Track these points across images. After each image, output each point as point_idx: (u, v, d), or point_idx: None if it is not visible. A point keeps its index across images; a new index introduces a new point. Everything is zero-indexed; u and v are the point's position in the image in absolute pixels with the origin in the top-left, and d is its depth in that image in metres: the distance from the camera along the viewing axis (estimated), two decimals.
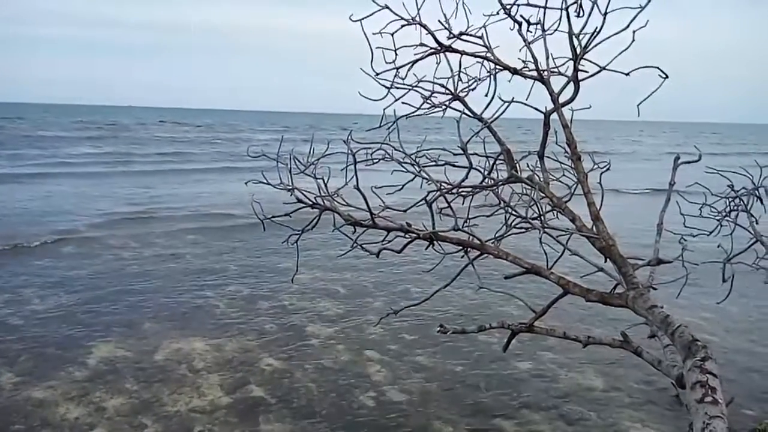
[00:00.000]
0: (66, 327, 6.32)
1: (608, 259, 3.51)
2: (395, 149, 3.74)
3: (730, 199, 3.78)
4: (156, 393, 4.88)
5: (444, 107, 3.76)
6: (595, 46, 3.18)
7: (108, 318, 6.63)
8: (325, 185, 3.74)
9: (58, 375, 5.16)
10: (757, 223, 3.67)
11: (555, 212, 3.76)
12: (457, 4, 3.43)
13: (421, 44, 3.58)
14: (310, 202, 3.75)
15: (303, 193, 3.75)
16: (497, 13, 3.45)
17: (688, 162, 3.60)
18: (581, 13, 3.15)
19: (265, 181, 3.84)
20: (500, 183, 3.77)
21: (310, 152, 3.79)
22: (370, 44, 3.39)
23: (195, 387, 5.00)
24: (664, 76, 3.04)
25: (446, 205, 3.74)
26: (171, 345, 5.89)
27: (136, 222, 12.36)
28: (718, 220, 3.78)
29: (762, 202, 3.67)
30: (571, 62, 3.28)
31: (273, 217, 3.89)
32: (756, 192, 3.68)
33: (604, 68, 3.19)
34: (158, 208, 14.12)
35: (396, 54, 3.49)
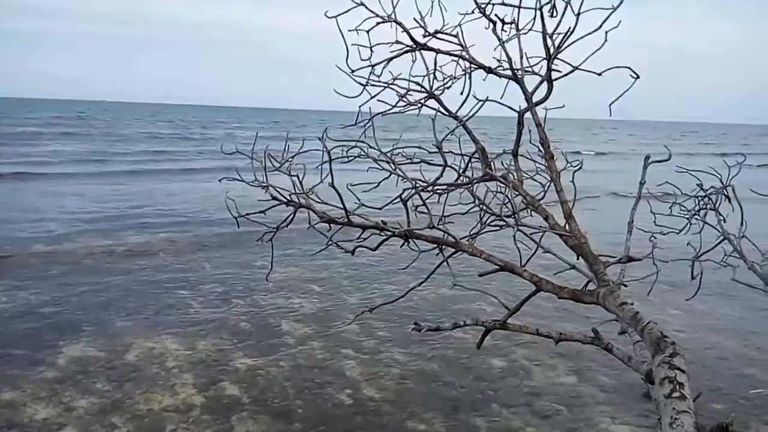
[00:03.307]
0: (35, 327, 6.20)
1: (580, 257, 3.56)
2: (371, 147, 3.74)
3: (699, 198, 3.85)
4: (128, 392, 4.82)
5: (419, 105, 3.77)
6: (569, 45, 3.22)
7: (78, 318, 6.52)
8: (300, 183, 3.72)
9: (26, 375, 5.06)
10: (725, 222, 3.75)
11: (529, 210, 3.80)
12: (432, 2, 3.43)
13: (397, 42, 3.59)
14: (285, 200, 3.73)
15: (278, 191, 3.73)
16: (472, 12, 3.46)
17: (659, 161, 3.66)
18: (555, 13, 3.18)
19: (239, 178, 3.81)
20: (475, 181, 3.79)
21: (285, 149, 3.77)
22: (345, 41, 3.38)
23: (168, 386, 4.94)
24: (635, 76, 3.09)
25: (421, 203, 3.75)
26: (143, 344, 5.81)
27: (107, 221, 12.15)
28: (687, 219, 3.86)
29: (730, 201, 3.75)
30: (545, 62, 3.31)
31: (247, 214, 3.86)
32: (724, 191, 3.76)
33: (577, 68, 3.22)
34: (131, 207, 13.91)
35: (371, 51, 3.49)
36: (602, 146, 47.17)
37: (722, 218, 3.77)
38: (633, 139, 63.10)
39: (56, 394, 4.77)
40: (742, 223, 3.62)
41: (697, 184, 3.82)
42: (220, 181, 3.94)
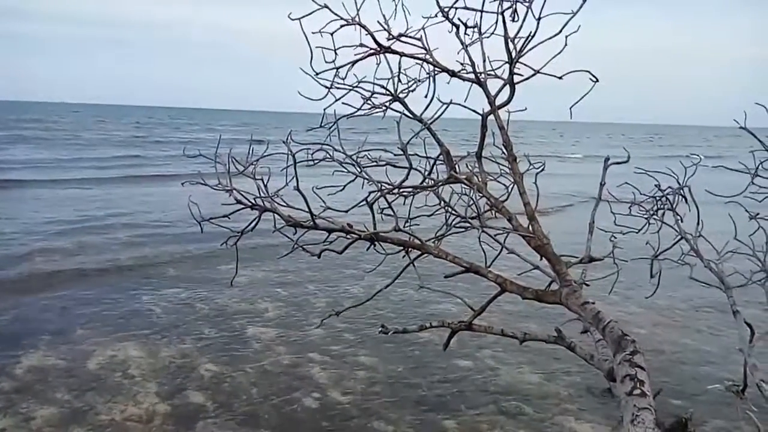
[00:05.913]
0: None
1: (543, 257, 3.61)
2: (336, 149, 3.74)
3: (657, 199, 3.95)
4: (89, 402, 4.70)
5: (384, 108, 3.78)
6: (530, 50, 3.27)
7: (37, 326, 6.34)
8: (265, 186, 3.69)
9: None
10: (681, 221, 3.85)
11: (493, 212, 3.84)
12: (395, 5, 3.45)
13: (361, 45, 3.59)
14: (250, 204, 3.70)
15: (242, 194, 3.69)
16: (435, 16, 3.49)
17: (618, 162, 3.74)
18: (516, 18, 3.23)
19: (202, 182, 3.76)
20: (440, 183, 3.82)
21: (249, 152, 3.74)
22: (309, 43, 3.37)
23: (130, 395, 4.84)
24: (594, 79, 3.15)
25: (387, 205, 3.76)
26: (105, 352, 5.68)
27: (68, 228, 11.82)
28: (646, 218, 3.95)
29: (686, 201, 3.85)
30: (507, 65, 3.36)
31: (211, 218, 3.81)
32: (681, 191, 3.86)
33: (538, 71, 3.28)
34: (91, 214, 13.55)
35: (336, 54, 3.49)
36: (589, 150, 47.71)
37: (679, 218, 3.87)
38: (625, 142, 64.18)
39: (13, 404, 4.63)
40: (698, 223, 3.72)
41: (655, 185, 3.92)
42: (182, 184, 3.89)
